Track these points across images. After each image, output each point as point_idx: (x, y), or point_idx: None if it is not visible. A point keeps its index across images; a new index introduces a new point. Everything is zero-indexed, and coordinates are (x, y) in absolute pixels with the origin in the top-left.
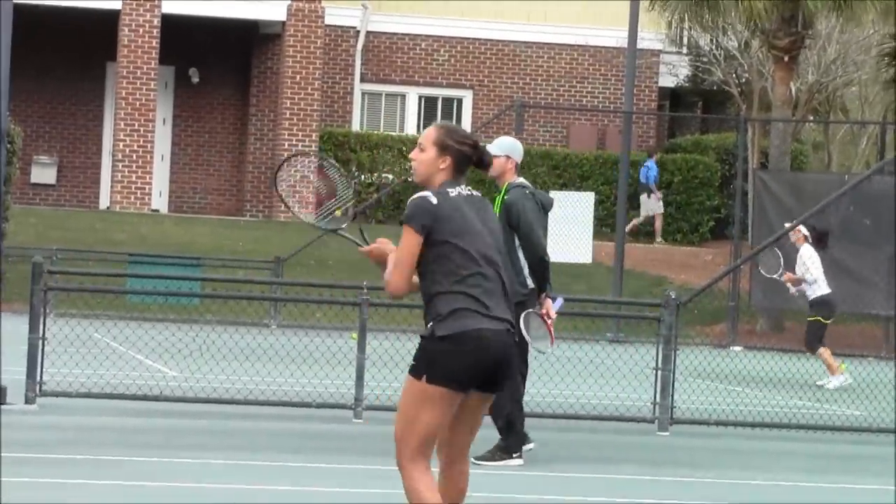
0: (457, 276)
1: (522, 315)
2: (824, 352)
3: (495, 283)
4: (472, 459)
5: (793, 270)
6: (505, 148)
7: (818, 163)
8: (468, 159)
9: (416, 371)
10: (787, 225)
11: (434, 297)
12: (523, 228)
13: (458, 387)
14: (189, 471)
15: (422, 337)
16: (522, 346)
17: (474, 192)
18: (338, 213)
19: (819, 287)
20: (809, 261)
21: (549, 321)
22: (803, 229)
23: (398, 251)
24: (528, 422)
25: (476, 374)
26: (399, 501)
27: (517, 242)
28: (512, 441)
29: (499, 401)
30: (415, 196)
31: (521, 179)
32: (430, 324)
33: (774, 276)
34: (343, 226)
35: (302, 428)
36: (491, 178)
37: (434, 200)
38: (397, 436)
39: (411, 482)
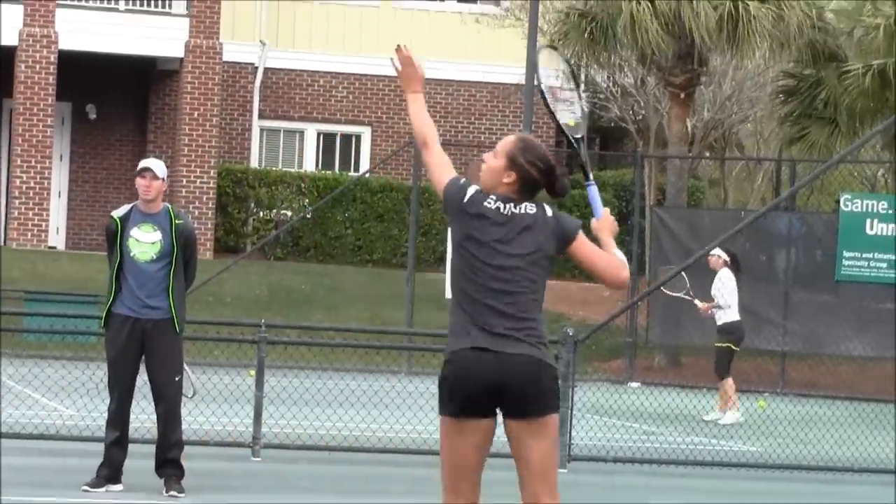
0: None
1: None
2: (729, 382)
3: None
4: None
5: (706, 293)
6: (165, 171)
7: (714, 199)
8: (536, 183)
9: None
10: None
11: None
12: (195, 255)
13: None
14: None
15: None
16: None
17: (527, 211)
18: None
19: (731, 313)
20: (729, 284)
21: None
22: (723, 254)
23: None
24: (415, 459)
25: (463, 397)
26: None
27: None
28: None
29: None
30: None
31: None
32: None
33: (680, 294)
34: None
35: (200, 466)
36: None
37: (471, 189)
38: None
39: None
